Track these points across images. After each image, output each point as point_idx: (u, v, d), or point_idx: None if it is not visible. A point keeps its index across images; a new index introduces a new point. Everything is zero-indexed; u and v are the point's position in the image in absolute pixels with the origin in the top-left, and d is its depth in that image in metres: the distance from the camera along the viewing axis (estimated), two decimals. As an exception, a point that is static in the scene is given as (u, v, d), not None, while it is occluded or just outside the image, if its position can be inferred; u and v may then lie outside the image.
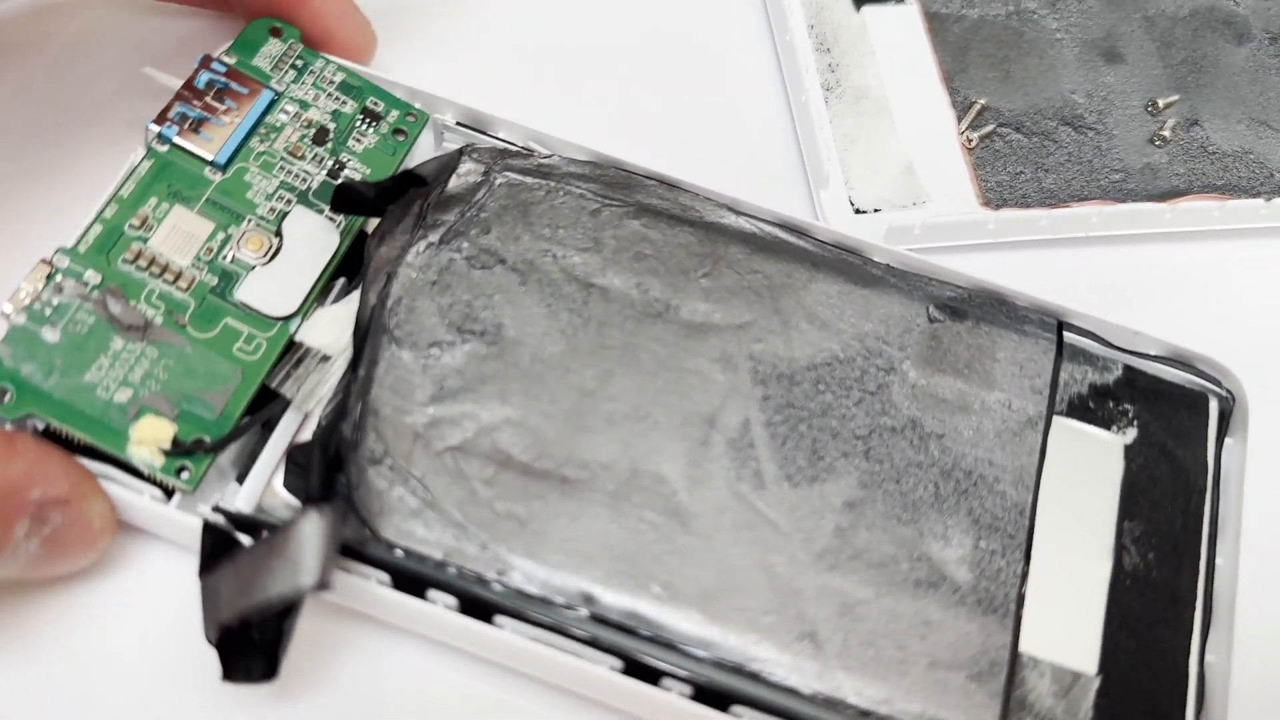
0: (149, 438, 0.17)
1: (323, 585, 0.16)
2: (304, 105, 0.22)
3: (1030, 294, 0.22)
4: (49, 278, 0.18)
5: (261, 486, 0.19)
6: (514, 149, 0.22)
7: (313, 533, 0.16)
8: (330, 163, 0.22)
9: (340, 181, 0.21)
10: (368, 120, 0.22)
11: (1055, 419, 0.21)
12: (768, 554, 0.19)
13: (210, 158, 0.21)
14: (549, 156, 0.22)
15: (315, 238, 0.21)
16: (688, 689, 0.18)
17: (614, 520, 0.19)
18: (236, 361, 0.19)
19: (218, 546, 0.17)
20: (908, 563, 0.19)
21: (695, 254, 0.21)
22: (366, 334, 0.20)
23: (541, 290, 0.21)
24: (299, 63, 0.22)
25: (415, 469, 0.19)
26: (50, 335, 0.18)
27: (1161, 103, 0.24)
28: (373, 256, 0.20)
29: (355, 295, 0.20)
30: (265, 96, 0.21)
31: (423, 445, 0.19)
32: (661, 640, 0.18)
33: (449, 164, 0.22)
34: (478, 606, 0.18)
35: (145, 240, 0.20)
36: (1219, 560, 0.20)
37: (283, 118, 0.22)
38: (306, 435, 0.19)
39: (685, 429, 0.20)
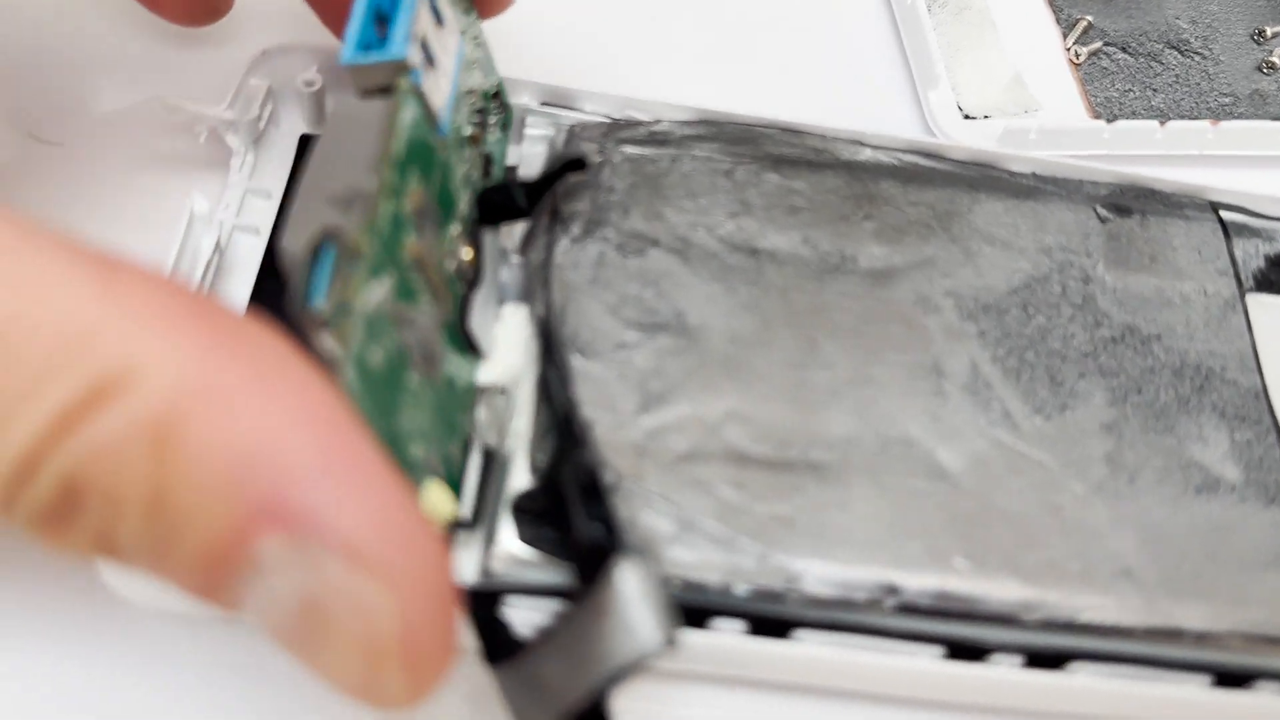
0: (438, 510, 0.14)
1: (669, 643, 0.13)
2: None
3: (1171, 179, 0.21)
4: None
5: (484, 548, 0.16)
6: (619, 122, 0.20)
7: (637, 585, 0.13)
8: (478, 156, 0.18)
9: (491, 184, 0.18)
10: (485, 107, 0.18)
11: (1247, 296, 0.20)
12: (1049, 496, 0.17)
13: (439, 114, 0.15)
14: (656, 123, 0.20)
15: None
16: (1019, 659, 0.16)
17: (884, 497, 0.16)
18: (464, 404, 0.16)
19: (489, 626, 0.14)
20: (1180, 472, 0.17)
21: (847, 197, 0.19)
22: (548, 352, 0.17)
23: (708, 266, 0.18)
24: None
25: (654, 487, 0.16)
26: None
27: (1269, 31, 0.24)
28: (525, 264, 0.18)
29: (509, 312, 0.17)
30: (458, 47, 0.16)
31: (651, 461, 0.16)
32: (980, 615, 0.16)
33: (564, 150, 0.19)
34: (771, 626, 0.16)
35: (413, 234, 0.14)
36: None
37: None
38: (519, 480, 0.16)
39: (914, 383, 0.18)
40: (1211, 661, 0.16)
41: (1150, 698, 0.16)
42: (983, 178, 0.20)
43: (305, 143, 0.20)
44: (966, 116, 0.22)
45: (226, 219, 0.18)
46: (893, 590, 0.16)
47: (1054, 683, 0.16)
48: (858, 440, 0.17)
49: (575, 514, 0.14)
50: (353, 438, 0.11)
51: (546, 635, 0.13)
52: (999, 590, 0.16)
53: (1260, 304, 0.20)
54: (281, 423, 0.10)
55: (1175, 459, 0.18)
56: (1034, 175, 0.20)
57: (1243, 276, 0.20)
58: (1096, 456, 0.17)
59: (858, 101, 0.22)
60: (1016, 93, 0.22)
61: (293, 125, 0.20)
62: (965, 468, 0.17)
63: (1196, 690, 0.16)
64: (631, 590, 0.13)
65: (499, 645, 0.14)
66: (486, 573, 0.16)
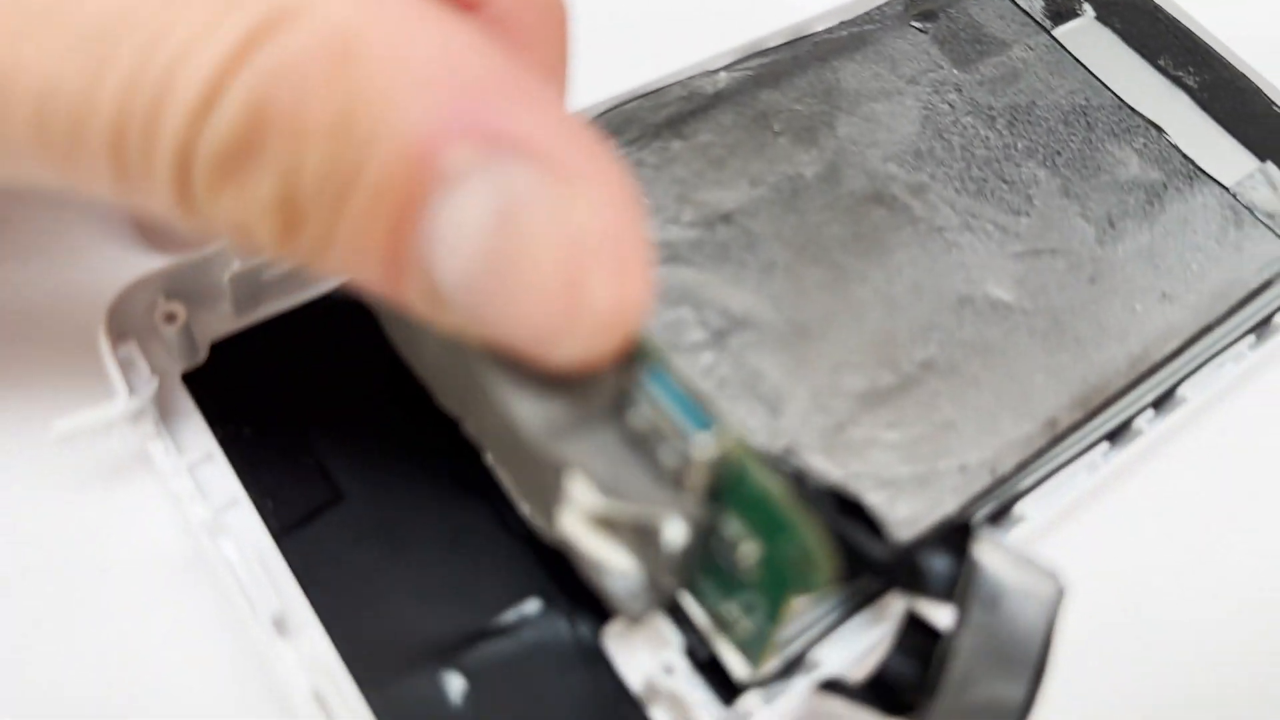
0: None
1: (1060, 584, 0.13)
2: None
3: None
4: None
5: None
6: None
7: (1001, 553, 0.13)
8: None
9: None
10: None
11: (1054, 33, 0.22)
12: (1079, 272, 0.18)
13: None
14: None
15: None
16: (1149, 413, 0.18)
17: (987, 355, 0.17)
18: None
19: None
20: (1129, 195, 0.20)
21: (748, 124, 0.19)
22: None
23: (704, 254, 0.17)
24: None
25: (850, 469, 0.15)
26: None
27: None
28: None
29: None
30: None
31: (823, 450, 0.16)
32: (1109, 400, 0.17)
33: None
34: (1001, 512, 0.16)
35: None
36: None
37: None
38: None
39: (929, 249, 0.18)
40: None
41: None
42: (818, 48, 0.21)
43: (188, 381, 0.16)
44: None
45: (200, 518, 0.15)
46: (1052, 424, 0.17)
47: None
48: (934, 323, 0.17)
49: (859, 537, 0.14)
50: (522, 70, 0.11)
51: (946, 667, 0.13)
52: (1113, 371, 0.17)
53: (1066, 35, 0.22)
54: (460, 45, 0.10)
55: (1116, 189, 0.20)
56: (842, 24, 0.21)
57: (1039, 20, 0.22)
58: (1076, 219, 0.19)
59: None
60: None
61: (171, 368, 0.16)
62: (1015, 293, 0.18)
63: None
64: (1000, 560, 0.13)
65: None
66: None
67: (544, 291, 0.10)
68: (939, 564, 0.13)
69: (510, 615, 0.15)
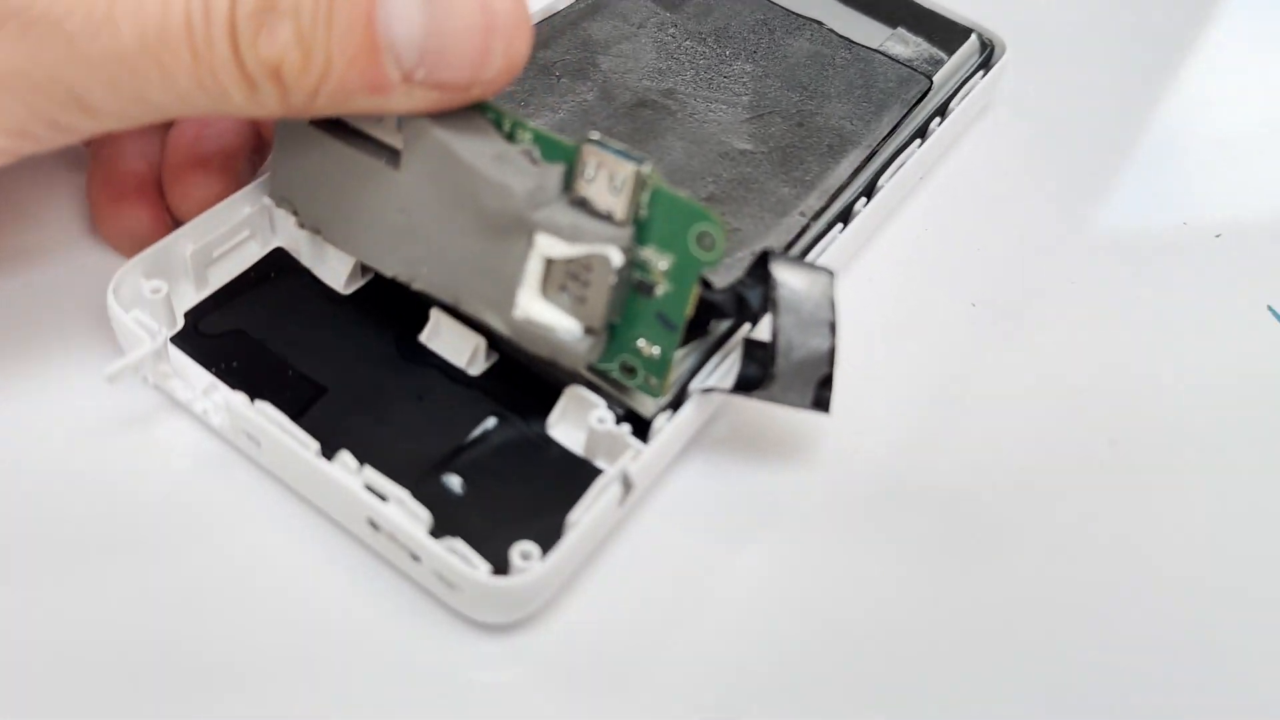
0: None
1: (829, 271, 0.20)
2: None
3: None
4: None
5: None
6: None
7: (784, 262, 0.20)
8: None
9: None
10: None
11: None
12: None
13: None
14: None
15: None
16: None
17: (753, 189, 0.24)
18: None
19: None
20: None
21: (536, 78, 0.26)
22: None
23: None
24: None
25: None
26: None
27: None
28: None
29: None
30: None
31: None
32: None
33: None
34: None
35: None
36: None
37: None
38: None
39: (712, 146, 0.25)
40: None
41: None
42: (568, 16, 0.27)
43: (175, 342, 0.21)
44: None
45: (231, 414, 0.20)
46: (802, 214, 0.24)
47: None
48: (706, 172, 0.24)
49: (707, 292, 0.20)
50: None
51: (775, 341, 0.19)
52: (830, 176, 0.25)
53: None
54: None
55: (798, 65, 0.27)
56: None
57: None
58: (779, 89, 0.26)
59: None
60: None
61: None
62: (753, 143, 0.25)
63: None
64: (788, 268, 0.20)
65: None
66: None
67: (469, 30, 0.17)
68: (754, 294, 0.20)
69: (477, 432, 0.21)
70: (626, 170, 0.18)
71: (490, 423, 0.21)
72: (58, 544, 0.18)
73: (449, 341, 0.22)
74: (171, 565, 0.19)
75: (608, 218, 0.18)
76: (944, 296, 0.26)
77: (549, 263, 0.18)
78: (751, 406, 0.22)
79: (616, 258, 0.18)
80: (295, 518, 0.19)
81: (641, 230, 0.18)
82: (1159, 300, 0.27)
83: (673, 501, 0.21)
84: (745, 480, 0.21)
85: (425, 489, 0.19)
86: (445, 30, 0.17)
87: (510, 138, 0.19)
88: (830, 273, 0.20)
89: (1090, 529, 0.22)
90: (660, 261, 0.19)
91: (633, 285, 0.19)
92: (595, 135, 0.18)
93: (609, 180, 0.18)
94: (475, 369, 0.22)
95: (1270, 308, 0.27)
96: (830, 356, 0.20)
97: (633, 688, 0.18)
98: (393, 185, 0.19)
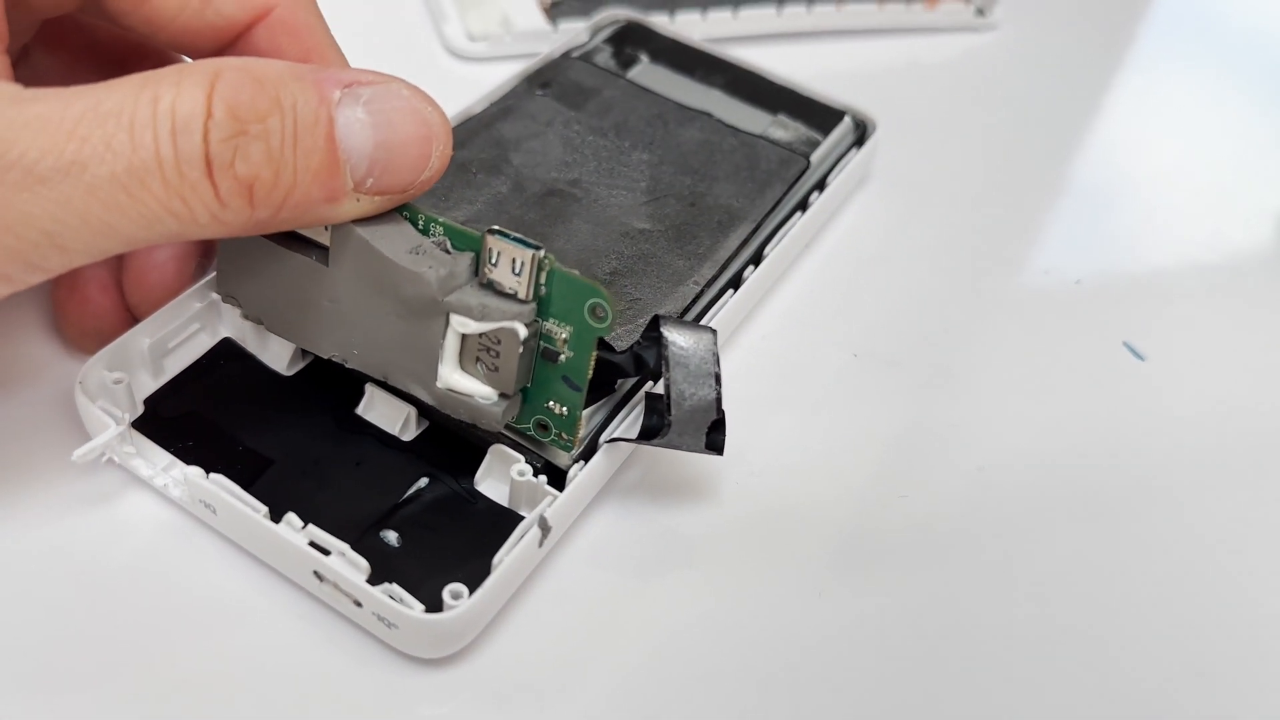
0: None
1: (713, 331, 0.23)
2: None
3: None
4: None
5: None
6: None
7: (673, 325, 0.23)
8: None
9: None
10: None
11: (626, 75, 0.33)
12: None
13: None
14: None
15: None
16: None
17: (651, 263, 0.27)
18: None
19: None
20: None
21: (455, 175, 0.29)
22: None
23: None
24: None
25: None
26: None
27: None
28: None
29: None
30: None
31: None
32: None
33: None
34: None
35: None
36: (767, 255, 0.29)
37: None
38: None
39: (614, 227, 0.28)
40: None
41: (796, 236, 0.30)
42: (483, 119, 0.30)
43: (135, 426, 0.23)
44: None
45: (186, 489, 0.22)
46: (696, 283, 0.27)
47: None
48: (610, 250, 0.27)
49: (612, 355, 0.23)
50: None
51: (668, 393, 0.22)
52: (720, 249, 0.28)
53: (636, 75, 0.34)
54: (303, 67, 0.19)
55: (690, 152, 0.31)
56: (493, 104, 0.31)
57: (616, 72, 0.33)
58: (673, 174, 0.30)
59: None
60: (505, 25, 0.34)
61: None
62: (650, 223, 0.28)
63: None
64: (676, 329, 0.23)
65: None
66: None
67: (412, 141, 0.20)
68: (649, 354, 0.23)
69: (410, 491, 0.23)
70: (525, 255, 0.21)
71: (422, 482, 0.23)
72: (38, 605, 0.21)
73: (383, 412, 0.24)
74: (137, 621, 0.21)
75: (513, 296, 0.21)
76: (830, 348, 0.29)
77: (464, 338, 0.21)
78: (657, 455, 0.25)
79: (522, 331, 0.21)
80: (249, 576, 0.22)
81: (543, 305, 0.21)
82: (1027, 341, 0.30)
83: (590, 543, 0.24)
84: (655, 520, 0.24)
85: (365, 544, 0.22)
86: (392, 143, 0.19)
87: (424, 232, 0.22)
88: (713, 331, 0.23)
89: (962, 547, 0.25)
90: (561, 332, 0.21)
91: (539, 354, 0.22)
92: (496, 227, 0.21)
93: (511, 264, 0.21)
94: (407, 435, 0.24)
95: (1125, 344, 0.30)
96: (717, 404, 0.22)
97: (558, 713, 0.21)
98: (323, 278, 0.22)
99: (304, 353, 0.25)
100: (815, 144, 0.32)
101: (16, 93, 0.17)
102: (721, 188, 0.30)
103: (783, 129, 0.32)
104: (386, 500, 0.23)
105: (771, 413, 0.27)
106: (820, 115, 0.33)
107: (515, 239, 0.21)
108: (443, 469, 0.24)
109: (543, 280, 0.21)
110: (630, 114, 0.32)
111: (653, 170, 0.30)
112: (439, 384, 0.22)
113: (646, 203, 0.29)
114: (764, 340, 0.29)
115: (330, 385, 0.24)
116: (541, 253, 0.21)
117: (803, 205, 0.30)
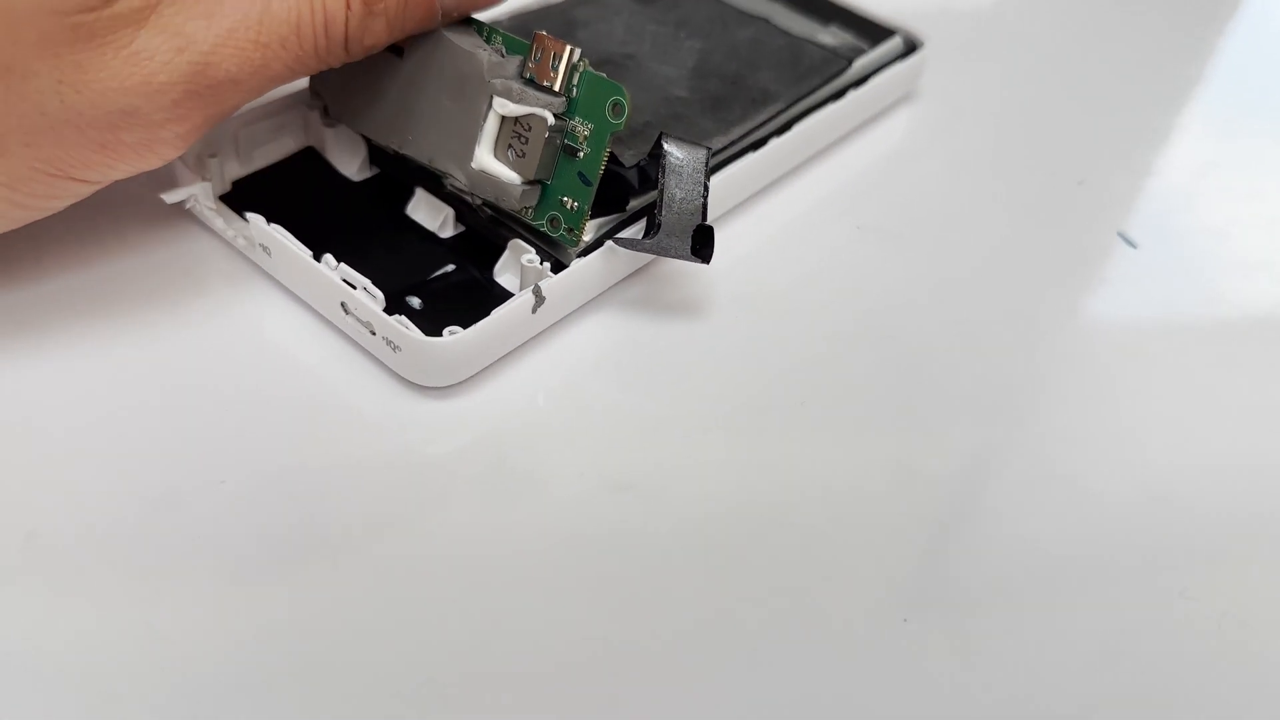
0: None
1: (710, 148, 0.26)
2: None
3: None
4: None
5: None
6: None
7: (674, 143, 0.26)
8: None
9: None
10: None
11: None
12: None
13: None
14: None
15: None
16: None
17: (684, 123, 0.30)
18: None
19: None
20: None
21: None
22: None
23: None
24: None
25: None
26: None
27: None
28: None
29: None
30: None
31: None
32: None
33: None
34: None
35: None
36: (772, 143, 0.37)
37: None
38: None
39: (659, 94, 0.32)
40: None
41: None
42: (561, 9, 0.34)
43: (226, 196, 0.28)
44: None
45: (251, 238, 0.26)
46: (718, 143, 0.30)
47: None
48: (654, 108, 0.30)
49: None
50: None
51: (661, 197, 0.25)
52: (749, 120, 0.31)
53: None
54: None
55: (741, 46, 0.34)
56: (572, -4, 0.35)
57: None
58: (721, 60, 0.33)
59: None
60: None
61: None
62: (689, 93, 0.31)
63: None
64: (675, 145, 0.26)
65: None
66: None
67: None
68: (653, 168, 0.26)
69: (439, 273, 0.27)
70: (564, 50, 0.24)
71: (449, 267, 0.27)
72: (120, 313, 0.25)
73: (426, 213, 0.28)
74: (197, 343, 0.25)
75: (548, 90, 0.25)
76: (836, 223, 0.31)
77: (501, 122, 0.25)
78: (657, 278, 0.28)
79: (550, 118, 0.24)
80: (290, 312, 0.26)
81: (571, 106, 0.25)
82: (1038, 235, 0.32)
83: (585, 336, 0.27)
84: (644, 332, 0.27)
85: (391, 305, 0.25)
86: None
87: (487, 40, 0.25)
88: (707, 148, 0.26)
89: (974, 406, 0.27)
90: (584, 129, 0.25)
91: (562, 150, 0.25)
92: (544, 31, 0.25)
93: (550, 60, 0.25)
94: (445, 233, 0.28)
95: (1120, 234, 0.31)
96: (703, 210, 0.25)
97: (536, 454, 0.24)
98: (396, 70, 0.26)
99: (371, 163, 0.29)
100: (861, 52, 0.34)
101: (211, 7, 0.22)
102: (762, 75, 0.33)
103: (831, 36, 0.35)
104: (416, 277, 0.27)
105: (771, 272, 0.29)
106: (871, 32, 0.36)
107: (557, 39, 0.24)
108: (469, 261, 0.27)
109: (575, 81, 0.25)
110: (693, 14, 0.35)
111: (701, 56, 0.33)
112: (473, 164, 0.25)
113: (690, 78, 0.32)
114: (787, 206, 0.31)
115: (388, 193, 0.28)
116: (578, 53, 0.24)
117: (839, 97, 0.33)
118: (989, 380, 0.27)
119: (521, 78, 0.25)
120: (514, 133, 0.25)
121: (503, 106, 0.25)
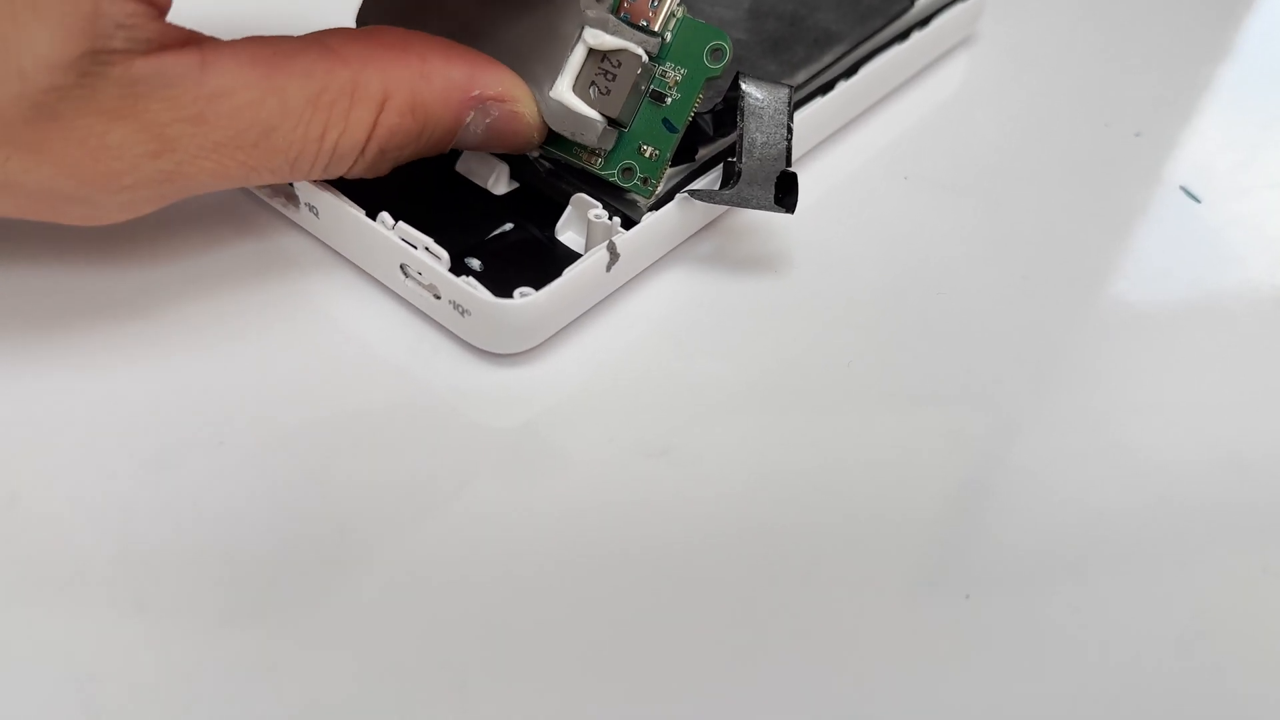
0: None
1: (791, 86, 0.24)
2: None
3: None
4: None
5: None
6: None
7: (752, 83, 0.24)
8: None
9: None
10: None
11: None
12: (785, 24, 0.30)
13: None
14: None
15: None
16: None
17: (747, 66, 0.28)
18: None
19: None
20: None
21: None
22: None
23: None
24: None
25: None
26: None
27: None
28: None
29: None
30: None
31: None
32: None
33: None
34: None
35: None
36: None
37: None
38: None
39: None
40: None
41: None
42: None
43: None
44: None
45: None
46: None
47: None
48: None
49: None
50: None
51: (741, 142, 0.23)
52: (814, 62, 0.29)
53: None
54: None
55: (799, -12, 0.32)
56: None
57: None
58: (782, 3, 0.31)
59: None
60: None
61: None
62: (748, 35, 0.29)
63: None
64: (754, 85, 0.24)
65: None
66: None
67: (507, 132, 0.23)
68: (731, 114, 0.24)
69: (497, 232, 0.25)
70: None
71: (507, 226, 0.25)
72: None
73: (478, 167, 0.26)
74: (255, 307, 0.23)
75: (643, 29, 0.23)
76: (885, 174, 0.29)
77: (589, 54, 0.23)
78: (734, 231, 0.26)
79: (643, 55, 0.23)
80: (344, 277, 0.24)
81: (664, 49, 0.23)
82: (1096, 187, 0.30)
83: (659, 293, 0.25)
84: (720, 289, 0.25)
85: (451, 266, 0.23)
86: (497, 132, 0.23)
87: None
88: (790, 87, 0.24)
89: (1010, 348, 0.25)
90: (675, 74, 0.23)
91: (648, 95, 0.23)
92: None
93: (649, 1, 0.23)
94: (498, 190, 0.26)
95: (1183, 188, 0.30)
96: (787, 154, 0.23)
97: (600, 421, 0.22)
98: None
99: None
100: (923, -9, 0.32)
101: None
102: (823, 15, 0.31)
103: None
104: (474, 237, 0.25)
105: (840, 229, 0.27)
106: (932, -29, 0.33)
107: None
108: (527, 219, 0.25)
109: (672, 26, 0.23)
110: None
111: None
112: (552, 94, 0.23)
113: (747, 19, 0.30)
114: (854, 153, 0.29)
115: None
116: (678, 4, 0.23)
117: (902, 38, 0.31)
118: (1052, 342, 0.25)
119: (618, 15, 0.23)
120: (600, 69, 0.23)
121: (595, 38, 0.23)
